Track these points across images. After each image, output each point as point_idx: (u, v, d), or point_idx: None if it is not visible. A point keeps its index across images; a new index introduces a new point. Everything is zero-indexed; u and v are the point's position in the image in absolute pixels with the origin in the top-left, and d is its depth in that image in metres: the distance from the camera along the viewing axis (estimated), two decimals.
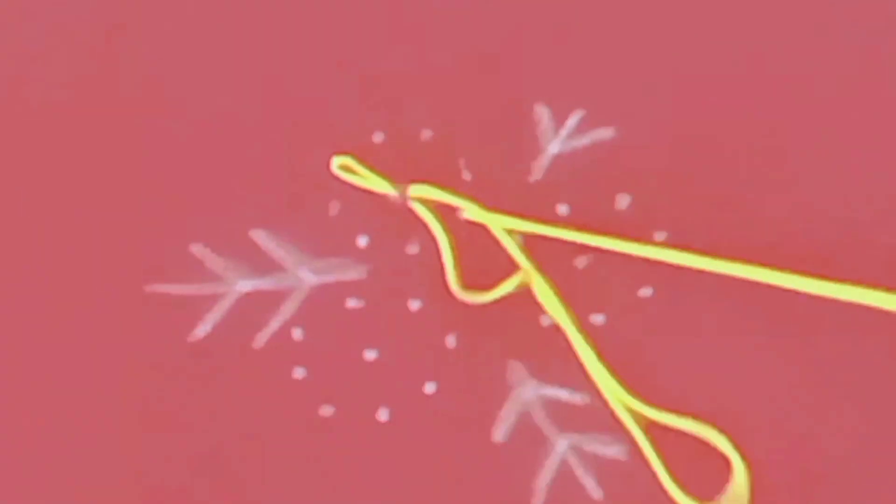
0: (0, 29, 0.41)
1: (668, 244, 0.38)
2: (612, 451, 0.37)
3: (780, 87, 0.39)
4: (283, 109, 0.40)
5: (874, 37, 0.39)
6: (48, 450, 0.37)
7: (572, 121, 0.39)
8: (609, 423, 0.37)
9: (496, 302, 0.38)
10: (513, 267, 0.38)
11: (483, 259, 0.38)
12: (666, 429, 0.36)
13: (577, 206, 0.38)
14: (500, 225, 0.37)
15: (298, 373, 0.38)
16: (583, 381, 0.37)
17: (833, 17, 0.40)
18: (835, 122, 0.39)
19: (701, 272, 0.38)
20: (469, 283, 0.38)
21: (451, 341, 0.37)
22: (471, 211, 0.38)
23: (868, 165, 0.38)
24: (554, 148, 0.39)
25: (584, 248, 0.38)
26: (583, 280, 0.38)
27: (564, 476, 0.37)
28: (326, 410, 0.37)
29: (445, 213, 0.38)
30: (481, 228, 0.38)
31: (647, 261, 0.38)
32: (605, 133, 0.39)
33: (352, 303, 0.38)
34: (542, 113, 0.39)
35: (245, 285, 0.38)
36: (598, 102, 0.39)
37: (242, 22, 0.41)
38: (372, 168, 0.39)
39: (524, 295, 0.38)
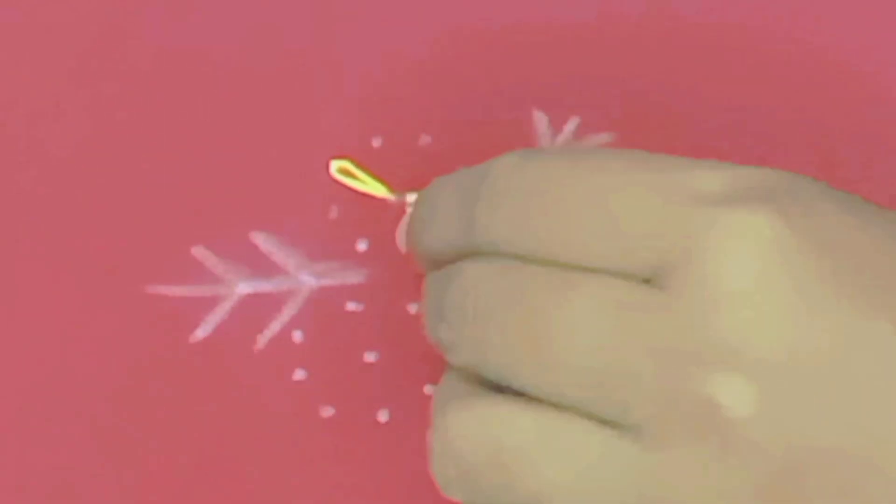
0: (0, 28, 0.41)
1: None
2: None
3: (777, 92, 0.40)
4: (283, 113, 0.40)
5: (879, 43, 0.40)
6: (47, 450, 0.37)
7: (570, 126, 0.39)
8: None
9: None
10: None
11: None
12: None
13: None
14: None
15: (299, 374, 0.38)
16: None
17: (833, 16, 0.40)
18: (833, 133, 0.39)
19: None
20: None
21: None
22: None
23: (870, 168, 0.39)
24: None
25: None
26: None
27: None
28: (327, 411, 0.38)
29: None
30: None
31: None
32: (602, 139, 0.39)
33: (352, 306, 0.38)
34: (540, 119, 0.40)
35: (246, 287, 0.38)
36: (596, 108, 0.39)
37: (242, 24, 0.41)
38: (371, 172, 0.39)
39: None
